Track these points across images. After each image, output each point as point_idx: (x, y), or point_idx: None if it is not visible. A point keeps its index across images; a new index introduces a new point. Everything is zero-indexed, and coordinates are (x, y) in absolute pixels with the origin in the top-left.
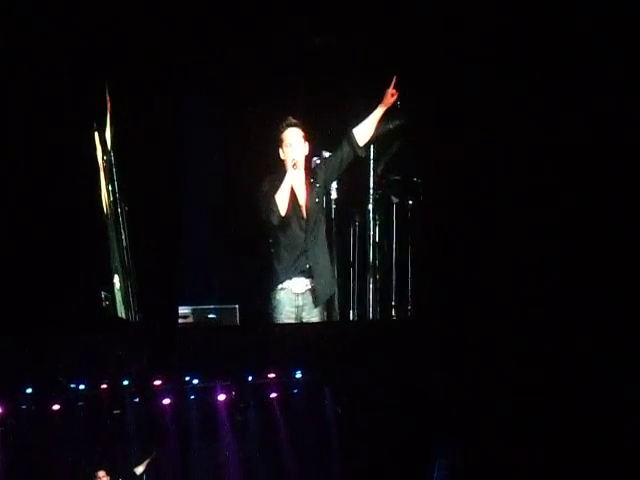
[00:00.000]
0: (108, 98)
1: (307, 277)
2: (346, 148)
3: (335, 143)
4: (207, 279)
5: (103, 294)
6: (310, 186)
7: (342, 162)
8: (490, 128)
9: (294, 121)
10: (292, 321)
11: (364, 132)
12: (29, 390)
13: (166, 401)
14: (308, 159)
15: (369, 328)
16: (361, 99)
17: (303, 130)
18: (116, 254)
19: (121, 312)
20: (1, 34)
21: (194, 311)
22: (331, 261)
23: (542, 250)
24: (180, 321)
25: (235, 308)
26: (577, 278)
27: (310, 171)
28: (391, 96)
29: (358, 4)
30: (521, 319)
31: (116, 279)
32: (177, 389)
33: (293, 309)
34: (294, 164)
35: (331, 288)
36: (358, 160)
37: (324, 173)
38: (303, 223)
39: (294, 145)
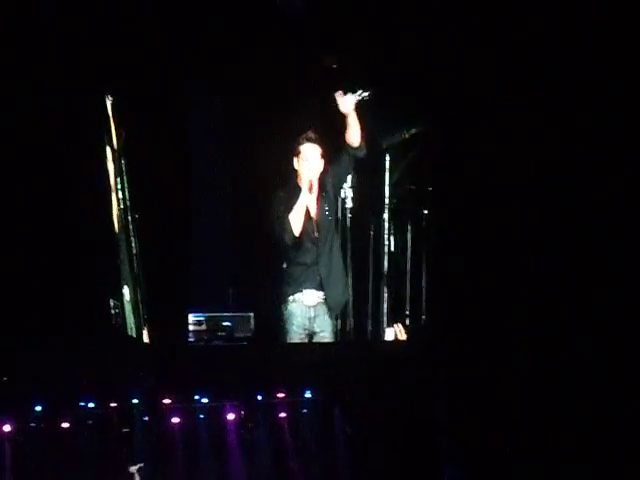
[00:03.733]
0: (111, 114)
1: (318, 289)
2: (344, 155)
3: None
4: (222, 288)
5: (112, 302)
6: (321, 199)
7: (347, 168)
8: (504, 137)
9: (313, 136)
10: (304, 332)
11: (352, 133)
12: (38, 408)
13: (175, 420)
14: (322, 175)
15: (380, 348)
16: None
17: (320, 146)
18: (126, 264)
19: (130, 323)
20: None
21: (208, 319)
22: (345, 270)
23: (559, 258)
24: (194, 328)
25: (250, 316)
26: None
27: (321, 186)
28: (339, 97)
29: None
30: (537, 331)
31: (126, 290)
32: (186, 408)
33: (305, 321)
34: (310, 186)
35: (344, 297)
36: (360, 160)
37: (332, 182)
38: (315, 236)
39: (311, 160)
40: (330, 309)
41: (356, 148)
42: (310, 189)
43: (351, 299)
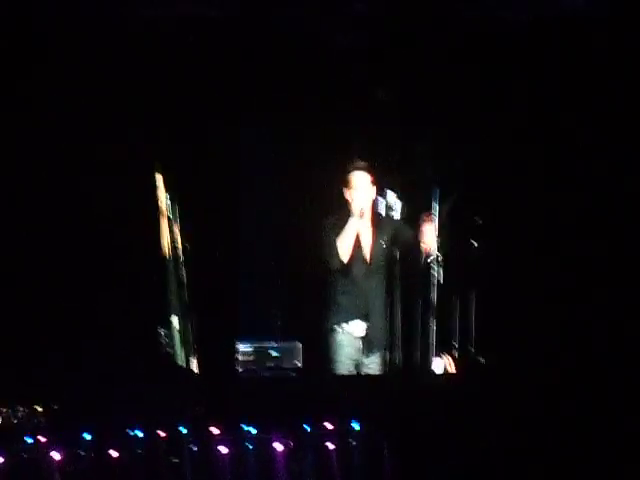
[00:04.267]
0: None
1: (364, 320)
2: (412, 240)
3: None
4: (269, 317)
5: (162, 331)
6: (376, 235)
7: (407, 243)
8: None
9: (362, 164)
10: (352, 364)
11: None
12: (88, 436)
13: (224, 450)
14: (374, 201)
15: (429, 381)
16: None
17: (370, 174)
18: (175, 294)
19: (180, 354)
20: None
21: (256, 349)
22: (388, 305)
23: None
24: (242, 359)
25: (298, 347)
26: None
27: (376, 219)
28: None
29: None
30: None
31: (174, 319)
32: (235, 438)
33: (354, 352)
34: (361, 213)
35: (384, 334)
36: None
37: (390, 234)
38: (365, 268)
39: (361, 189)
40: (370, 344)
41: (427, 254)
42: (361, 215)
43: (400, 332)
